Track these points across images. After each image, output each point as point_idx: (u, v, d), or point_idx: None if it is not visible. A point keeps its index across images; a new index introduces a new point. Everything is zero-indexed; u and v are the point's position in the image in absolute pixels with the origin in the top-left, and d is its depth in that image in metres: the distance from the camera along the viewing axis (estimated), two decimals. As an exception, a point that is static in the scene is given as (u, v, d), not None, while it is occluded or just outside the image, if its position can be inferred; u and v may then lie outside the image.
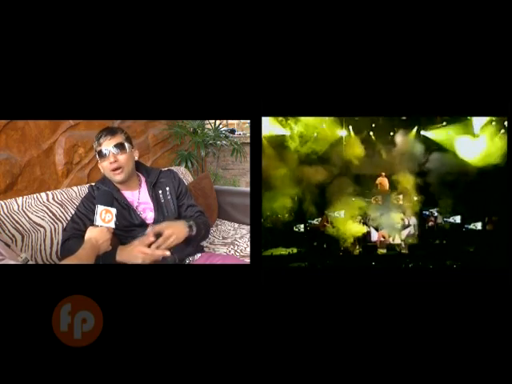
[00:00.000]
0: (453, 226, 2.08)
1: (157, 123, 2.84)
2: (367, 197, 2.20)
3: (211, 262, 1.57)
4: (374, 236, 2.14)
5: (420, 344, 1.09)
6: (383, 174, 2.28)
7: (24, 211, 1.57)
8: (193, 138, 3.08)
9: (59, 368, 1.02)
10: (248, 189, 2.78)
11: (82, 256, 1.11)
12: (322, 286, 1.13)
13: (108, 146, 1.49)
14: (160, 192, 1.65)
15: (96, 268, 1.13)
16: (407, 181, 2.18)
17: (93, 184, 1.65)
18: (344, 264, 1.98)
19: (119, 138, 1.52)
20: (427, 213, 2.17)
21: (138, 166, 1.68)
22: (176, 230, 1.44)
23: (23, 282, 1.04)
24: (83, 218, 1.50)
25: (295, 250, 2.07)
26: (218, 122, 3.27)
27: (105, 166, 1.52)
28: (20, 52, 1.11)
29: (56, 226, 1.63)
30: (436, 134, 2.21)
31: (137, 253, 1.35)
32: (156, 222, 1.58)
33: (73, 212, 1.62)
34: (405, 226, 2.16)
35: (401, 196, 2.23)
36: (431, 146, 2.19)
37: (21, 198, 1.62)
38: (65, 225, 1.58)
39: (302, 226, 2.18)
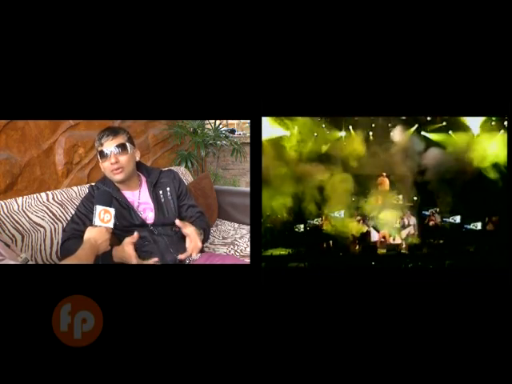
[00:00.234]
0: (453, 226, 2.08)
1: (157, 123, 2.84)
2: (367, 197, 2.20)
3: (211, 262, 1.56)
4: (374, 236, 2.14)
5: (420, 344, 1.09)
6: (384, 174, 2.28)
7: (24, 211, 1.56)
8: (193, 137, 3.08)
9: (59, 368, 1.02)
10: (248, 189, 2.78)
11: (82, 256, 1.11)
12: (322, 286, 1.13)
13: (110, 146, 1.48)
14: (160, 192, 1.65)
15: (96, 268, 1.14)
16: (407, 181, 2.18)
17: (93, 184, 1.65)
18: (344, 264, 1.98)
19: (121, 139, 1.51)
20: (427, 213, 2.17)
21: (139, 166, 1.68)
22: (196, 247, 1.48)
23: (23, 281, 1.04)
24: (83, 218, 1.50)
25: (295, 250, 2.07)
26: (217, 122, 3.27)
27: (105, 166, 1.52)
28: (20, 52, 1.11)
29: (56, 226, 1.63)
30: (436, 134, 2.21)
31: (126, 246, 1.37)
32: (156, 222, 1.58)
33: (73, 212, 1.62)
34: (405, 226, 2.16)
35: (401, 196, 2.23)
36: (431, 146, 2.19)
37: (21, 198, 1.62)
38: (65, 225, 1.58)
39: (302, 225, 2.18)
